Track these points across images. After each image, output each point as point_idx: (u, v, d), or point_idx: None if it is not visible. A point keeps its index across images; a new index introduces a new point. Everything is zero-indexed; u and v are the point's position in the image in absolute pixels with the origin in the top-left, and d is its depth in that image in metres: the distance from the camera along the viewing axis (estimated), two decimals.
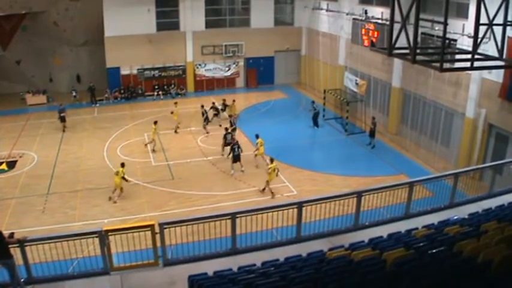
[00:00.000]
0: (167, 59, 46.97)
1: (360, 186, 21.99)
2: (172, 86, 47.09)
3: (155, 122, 32.82)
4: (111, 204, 25.41)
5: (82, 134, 36.36)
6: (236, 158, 28.91)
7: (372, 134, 33.86)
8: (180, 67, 47.77)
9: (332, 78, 42.65)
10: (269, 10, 49.08)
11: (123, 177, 25.76)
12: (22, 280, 13.91)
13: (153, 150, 32.60)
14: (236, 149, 28.86)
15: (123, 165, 26.37)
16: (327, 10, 42.94)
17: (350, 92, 39.38)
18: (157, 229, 14.06)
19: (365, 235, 14.99)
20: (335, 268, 11.43)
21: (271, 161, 26.35)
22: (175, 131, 36.11)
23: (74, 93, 44.73)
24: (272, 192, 25.88)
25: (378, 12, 33.90)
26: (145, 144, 33.24)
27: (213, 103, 39.29)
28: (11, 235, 13.61)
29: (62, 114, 36.95)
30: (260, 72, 50.31)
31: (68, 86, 47.37)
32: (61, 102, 38.25)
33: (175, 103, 37.98)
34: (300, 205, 15.22)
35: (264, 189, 26.39)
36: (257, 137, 30.24)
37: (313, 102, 38.64)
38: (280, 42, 49.70)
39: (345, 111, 37.54)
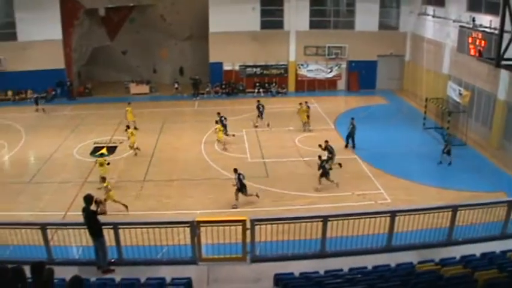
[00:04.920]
0: (270, 57, 47.38)
1: (455, 200, 21.23)
2: (274, 84, 47.42)
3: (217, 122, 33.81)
4: (206, 197, 25.69)
5: (181, 126, 37.34)
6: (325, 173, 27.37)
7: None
8: (282, 66, 48.07)
9: (435, 87, 41.33)
10: (374, 13, 48.30)
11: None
12: (112, 260, 14.49)
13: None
14: (325, 164, 27.31)
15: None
16: (433, 16, 41.71)
17: (452, 102, 38.10)
18: (248, 225, 14.20)
19: (457, 251, 14.50)
20: (424, 282, 11.12)
21: (104, 179, 25.57)
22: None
23: (176, 85, 45.98)
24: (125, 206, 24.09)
25: (487, 20, 32.41)
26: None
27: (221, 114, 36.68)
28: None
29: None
30: (362, 76, 49.60)
31: (170, 78, 48.72)
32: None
33: None
34: (393, 214, 14.94)
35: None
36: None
37: (352, 118, 34.19)
38: (384, 47, 48.66)
39: (446, 122, 36.37)
